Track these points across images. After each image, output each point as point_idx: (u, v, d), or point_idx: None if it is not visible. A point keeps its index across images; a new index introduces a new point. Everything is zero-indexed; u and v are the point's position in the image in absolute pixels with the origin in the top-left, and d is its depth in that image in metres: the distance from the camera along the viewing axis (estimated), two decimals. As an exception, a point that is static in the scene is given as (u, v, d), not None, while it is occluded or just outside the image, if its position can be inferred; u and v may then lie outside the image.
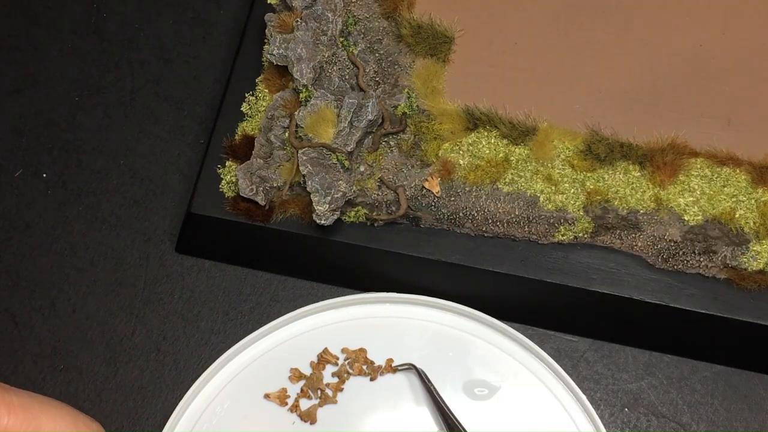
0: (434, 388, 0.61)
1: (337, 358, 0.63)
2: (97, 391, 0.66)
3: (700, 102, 0.67)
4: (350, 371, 0.63)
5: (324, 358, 0.63)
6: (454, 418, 0.60)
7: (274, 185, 0.66)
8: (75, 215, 0.71)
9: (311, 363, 0.63)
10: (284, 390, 0.63)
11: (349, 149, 0.64)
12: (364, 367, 0.63)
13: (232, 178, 0.66)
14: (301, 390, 0.63)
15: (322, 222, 0.63)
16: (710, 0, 0.70)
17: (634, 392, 0.65)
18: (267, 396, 0.63)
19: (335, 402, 0.63)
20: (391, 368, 0.63)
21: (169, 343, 0.67)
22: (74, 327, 0.67)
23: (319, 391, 0.63)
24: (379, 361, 0.63)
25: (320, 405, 0.62)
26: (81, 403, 0.65)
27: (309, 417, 0.62)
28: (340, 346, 0.64)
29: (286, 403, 0.63)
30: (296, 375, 0.63)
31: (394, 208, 0.65)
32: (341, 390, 0.63)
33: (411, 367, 0.63)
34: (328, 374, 0.63)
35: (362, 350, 0.64)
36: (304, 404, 0.63)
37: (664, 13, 0.70)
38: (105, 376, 0.66)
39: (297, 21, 0.67)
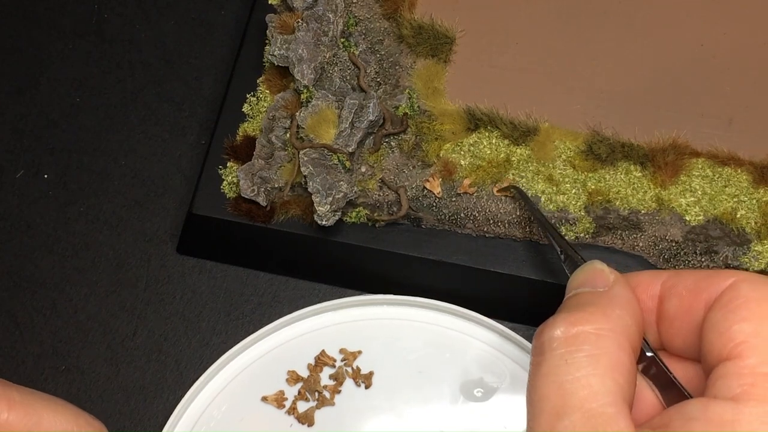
0: (539, 209, 0.61)
1: (335, 360, 0.63)
2: (99, 391, 0.66)
3: (701, 102, 0.67)
4: (348, 372, 0.63)
5: (321, 361, 0.63)
6: (563, 240, 0.57)
7: (276, 186, 0.66)
8: (76, 216, 0.71)
9: (308, 365, 0.63)
10: (281, 392, 0.63)
11: (350, 150, 0.64)
12: (359, 381, 0.63)
13: (234, 178, 0.66)
14: (299, 392, 0.63)
15: (324, 223, 0.63)
16: (711, 0, 0.70)
17: (636, 392, 0.65)
18: (264, 399, 0.63)
19: (333, 404, 0.63)
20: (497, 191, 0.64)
21: (171, 343, 0.67)
22: (75, 327, 0.67)
23: (316, 394, 0.63)
24: (376, 364, 0.63)
25: (318, 407, 0.62)
26: (83, 403, 0.64)
27: (306, 419, 0.62)
28: (337, 348, 0.64)
29: (284, 406, 0.63)
30: (293, 377, 0.63)
31: (395, 209, 0.65)
32: (338, 392, 0.63)
33: (514, 188, 0.63)
34: (325, 376, 0.63)
35: (359, 352, 0.64)
36: (302, 406, 0.63)
37: (665, 13, 0.70)
38: (106, 377, 0.66)
39: (298, 22, 0.67)
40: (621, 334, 0.41)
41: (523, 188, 0.63)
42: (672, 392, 0.42)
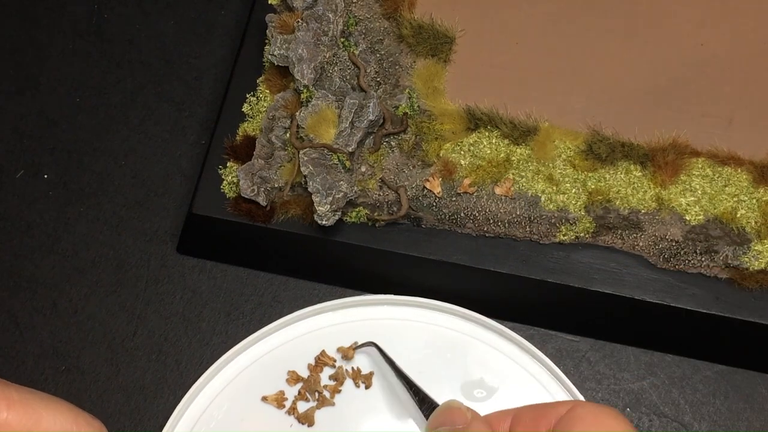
0: (393, 361, 0.61)
1: (335, 360, 0.63)
2: (99, 391, 0.66)
3: (701, 101, 0.67)
4: (348, 372, 0.63)
5: (321, 361, 0.63)
6: (417, 386, 0.59)
7: (276, 186, 0.66)
8: (76, 216, 0.71)
9: (309, 365, 0.63)
10: (282, 392, 0.63)
11: (350, 150, 0.64)
12: (359, 381, 0.63)
13: (234, 178, 0.66)
14: (299, 392, 0.63)
15: (324, 222, 0.63)
16: (711, 0, 0.70)
17: (636, 392, 0.65)
18: (264, 399, 0.63)
19: (333, 404, 0.63)
20: (351, 350, 0.63)
21: (171, 343, 0.67)
22: (76, 327, 0.67)
23: (316, 394, 0.63)
24: (377, 364, 0.63)
25: (318, 407, 0.62)
26: (83, 403, 0.64)
27: (307, 419, 0.62)
28: (337, 348, 0.64)
29: (284, 406, 0.63)
30: (294, 377, 0.63)
31: (395, 209, 0.65)
32: (339, 392, 0.63)
33: (371, 345, 0.63)
34: (325, 376, 0.63)
35: (355, 342, 0.64)
36: (302, 407, 0.62)
37: (665, 12, 0.70)
38: (107, 377, 0.66)
39: (298, 21, 0.67)
40: None
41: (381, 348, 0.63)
42: None
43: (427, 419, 0.55)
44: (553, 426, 0.48)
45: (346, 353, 0.63)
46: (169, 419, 0.61)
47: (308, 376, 0.63)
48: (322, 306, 0.64)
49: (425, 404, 0.57)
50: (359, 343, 0.63)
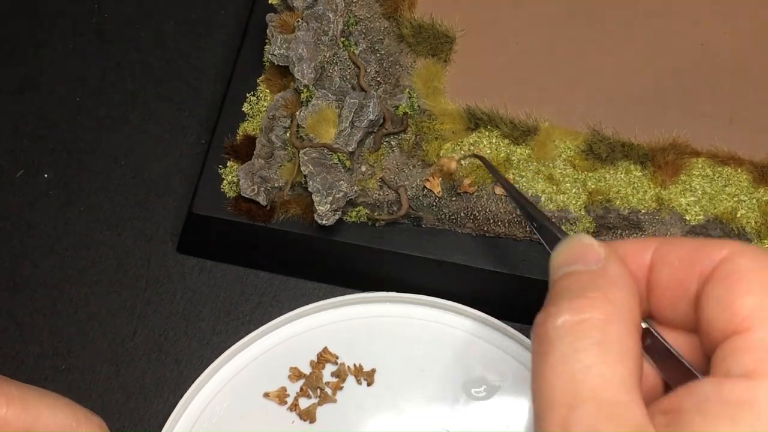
0: (497, 172, 0.57)
1: (337, 357, 0.63)
2: (99, 391, 0.66)
3: (701, 101, 0.67)
4: (350, 369, 0.63)
5: (324, 358, 0.63)
6: (533, 207, 0.51)
7: (276, 185, 0.66)
8: (76, 216, 0.71)
9: (311, 362, 0.63)
10: (284, 389, 0.63)
11: (350, 149, 0.64)
12: (361, 378, 0.63)
13: (234, 178, 0.66)
14: (301, 389, 0.63)
15: (324, 222, 0.63)
16: (711, 0, 0.70)
17: (636, 392, 0.65)
18: (266, 395, 0.63)
19: (335, 401, 0.63)
20: (457, 162, 0.59)
21: (171, 343, 0.67)
22: (76, 327, 0.67)
23: (318, 390, 0.63)
24: (378, 361, 0.63)
25: (320, 404, 0.62)
26: (83, 403, 0.63)
27: (308, 416, 0.62)
28: (339, 345, 0.64)
29: (286, 402, 0.63)
30: (296, 374, 0.63)
31: (395, 208, 0.65)
32: (340, 389, 0.63)
33: (475, 156, 0.59)
34: (327, 373, 0.63)
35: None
36: (304, 403, 0.63)
37: (666, 12, 0.70)
38: (107, 377, 0.66)
39: (298, 21, 0.67)
40: (628, 319, 0.39)
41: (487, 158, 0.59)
42: (668, 362, 0.41)
43: (549, 248, 0.45)
44: (706, 276, 0.39)
45: (448, 165, 0.58)
46: (171, 414, 0.61)
47: (310, 373, 0.63)
48: (324, 303, 0.64)
49: (543, 231, 0.48)
50: (465, 156, 0.58)
